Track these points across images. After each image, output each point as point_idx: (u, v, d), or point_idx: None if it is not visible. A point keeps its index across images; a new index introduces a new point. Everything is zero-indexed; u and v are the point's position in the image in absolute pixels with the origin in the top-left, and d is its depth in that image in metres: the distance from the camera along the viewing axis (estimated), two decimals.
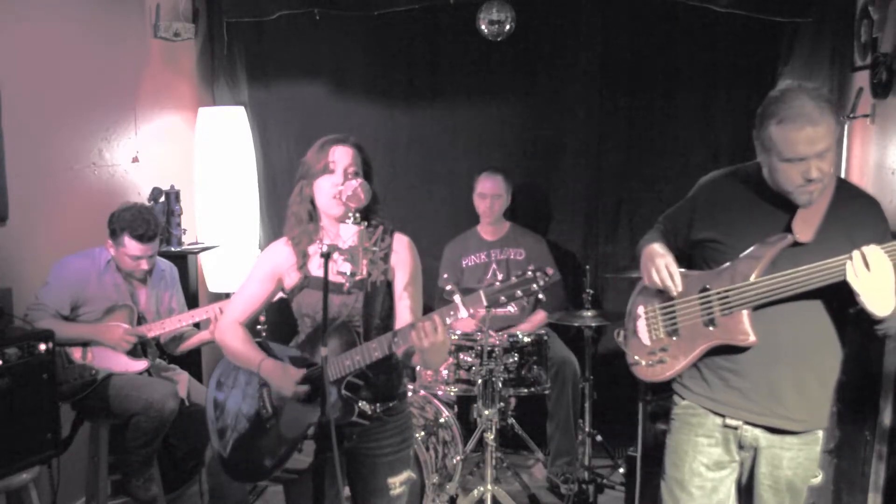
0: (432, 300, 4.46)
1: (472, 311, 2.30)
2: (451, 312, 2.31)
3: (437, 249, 4.82)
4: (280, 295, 2.73)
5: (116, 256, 3.73)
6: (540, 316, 4.55)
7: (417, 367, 4.19)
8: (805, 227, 2.35)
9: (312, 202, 2.60)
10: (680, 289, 2.47)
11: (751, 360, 2.42)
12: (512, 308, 4.56)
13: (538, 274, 2.25)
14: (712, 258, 2.50)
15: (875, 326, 2.30)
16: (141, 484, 3.73)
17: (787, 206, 2.37)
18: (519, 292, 2.25)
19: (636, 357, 2.59)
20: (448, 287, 2.35)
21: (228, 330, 2.66)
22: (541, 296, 2.29)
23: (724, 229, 2.48)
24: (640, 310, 2.61)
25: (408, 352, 2.48)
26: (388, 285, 2.59)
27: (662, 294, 2.55)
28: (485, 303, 2.27)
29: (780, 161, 2.29)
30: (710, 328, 2.45)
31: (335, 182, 2.53)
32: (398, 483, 2.63)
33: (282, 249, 2.64)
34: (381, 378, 2.59)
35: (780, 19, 4.47)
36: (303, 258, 2.60)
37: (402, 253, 2.61)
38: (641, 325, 2.60)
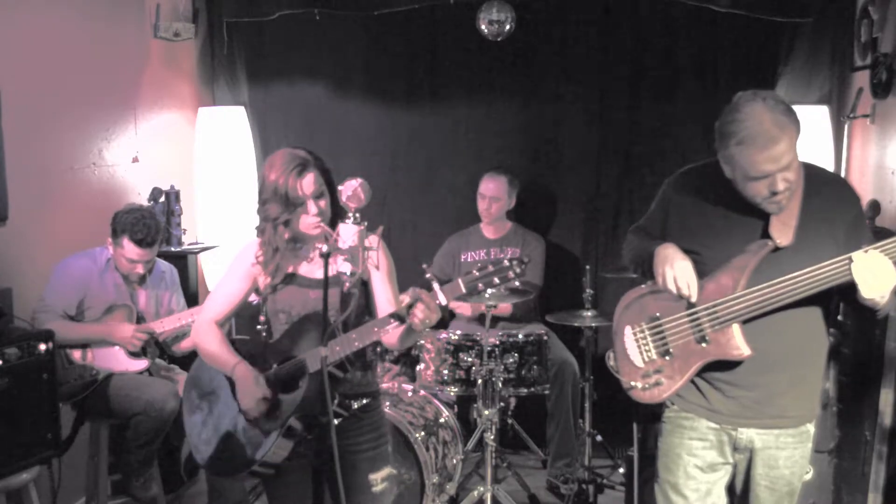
0: None
1: (450, 298, 2.36)
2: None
3: (436, 249, 4.82)
4: (253, 298, 2.72)
5: (114, 256, 3.74)
6: (504, 305, 4.45)
7: (418, 368, 4.20)
8: (783, 231, 2.31)
9: (287, 224, 2.55)
10: (694, 298, 2.38)
11: (746, 369, 2.39)
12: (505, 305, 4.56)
13: (514, 262, 2.32)
14: None
15: (876, 314, 2.31)
16: (141, 484, 3.73)
17: (761, 210, 2.32)
18: (496, 279, 2.33)
19: (632, 382, 2.52)
20: (427, 275, 2.38)
21: (204, 330, 2.66)
22: (517, 283, 2.34)
23: (702, 239, 2.42)
24: (628, 330, 2.54)
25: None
26: (363, 284, 2.59)
27: (648, 312, 2.49)
28: (463, 290, 2.34)
29: (744, 179, 2.25)
30: (703, 345, 2.39)
31: (312, 217, 2.52)
32: (379, 479, 2.62)
33: (258, 251, 2.63)
34: (356, 375, 2.60)
35: (780, 19, 4.47)
36: (271, 290, 2.60)
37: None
38: (631, 346, 2.53)
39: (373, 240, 2.49)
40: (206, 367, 2.72)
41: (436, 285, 2.36)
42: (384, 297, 2.59)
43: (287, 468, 2.59)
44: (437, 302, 2.35)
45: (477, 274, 2.34)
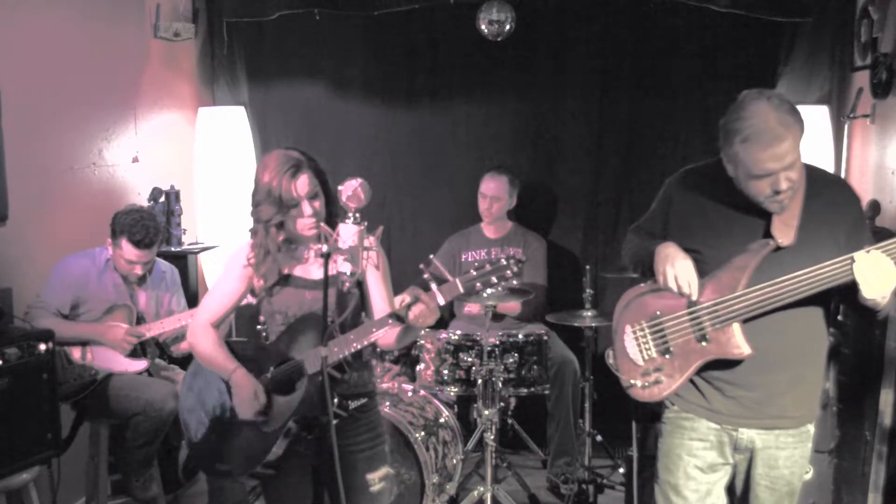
0: None
1: (448, 298, 2.36)
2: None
3: (437, 249, 4.82)
4: (247, 300, 2.72)
5: (113, 257, 3.74)
6: (512, 305, 4.48)
7: (418, 368, 4.20)
8: (785, 231, 2.31)
9: (281, 225, 2.55)
10: (695, 297, 2.39)
11: (746, 369, 2.39)
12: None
13: (511, 261, 2.33)
14: None
15: (876, 315, 2.32)
16: (141, 484, 3.73)
17: (762, 210, 2.33)
18: (493, 279, 2.34)
19: (631, 380, 2.53)
20: (425, 275, 2.38)
21: (200, 332, 2.65)
22: (515, 282, 2.36)
23: (703, 238, 2.43)
24: (628, 328, 2.55)
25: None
26: (358, 284, 2.59)
27: (648, 310, 2.50)
28: (461, 290, 2.35)
29: (747, 177, 2.25)
30: (703, 343, 2.40)
31: (307, 218, 2.51)
32: (377, 479, 2.63)
33: (249, 254, 2.63)
34: (353, 376, 2.60)
35: (780, 19, 4.47)
36: (267, 291, 2.60)
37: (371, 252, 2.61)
38: (631, 344, 2.53)
39: (372, 240, 2.49)
40: (203, 368, 2.72)
41: (434, 285, 2.36)
42: (380, 298, 2.59)
43: (285, 469, 2.59)
44: (436, 302, 2.35)
45: (474, 273, 2.35)
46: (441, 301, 2.36)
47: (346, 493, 2.60)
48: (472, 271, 2.36)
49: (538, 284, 4.55)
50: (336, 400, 2.51)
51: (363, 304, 2.61)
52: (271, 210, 2.51)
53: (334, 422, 2.45)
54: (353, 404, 2.60)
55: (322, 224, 2.48)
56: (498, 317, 4.48)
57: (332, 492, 2.64)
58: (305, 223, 2.51)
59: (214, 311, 2.67)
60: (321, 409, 2.40)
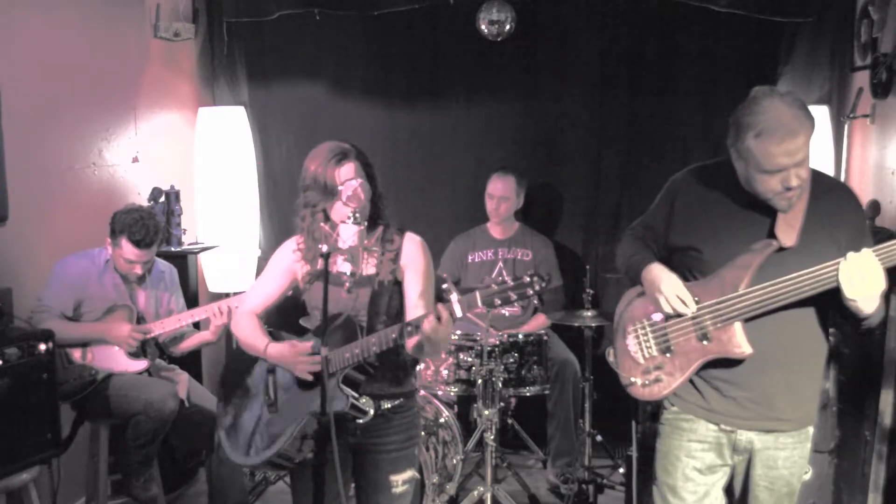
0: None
1: (466, 311, 2.35)
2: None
3: (437, 249, 4.80)
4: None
5: (113, 256, 3.74)
6: (540, 319, 4.54)
7: (418, 368, 4.20)
8: (788, 232, 2.32)
9: (326, 215, 2.60)
10: (694, 309, 2.39)
11: (745, 369, 2.40)
12: (514, 307, 4.57)
13: (535, 279, 2.31)
14: (694, 267, 2.46)
15: (861, 323, 2.31)
16: (141, 484, 3.73)
17: (766, 210, 2.34)
18: (514, 295, 2.32)
19: (632, 378, 2.53)
20: (444, 286, 2.38)
21: (242, 320, 2.73)
22: (535, 302, 2.35)
23: (705, 237, 2.43)
24: (630, 327, 2.56)
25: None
26: (398, 284, 2.61)
27: (650, 309, 2.50)
28: (480, 304, 2.33)
29: (758, 172, 2.26)
30: (704, 342, 2.40)
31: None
32: (401, 481, 2.63)
33: (299, 239, 2.68)
34: (387, 375, 2.61)
35: (780, 19, 4.47)
36: (312, 275, 2.64)
37: (413, 252, 2.64)
38: (632, 342, 2.54)
39: (412, 239, 2.58)
40: (241, 360, 2.77)
41: (454, 297, 2.34)
42: (413, 297, 2.59)
43: (308, 463, 2.58)
44: (454, 315, 2.34)
45: (496, 288, 2.34)
46: (459, 314, 2.34)
47: (367, 490, 2.64)
48: (493, 286, 2.34)
49: (558, 286, 4.59)
50: (364, 400, 2.52)
51: (400, 303, 2.62)
52: (317, 196, 2.56)
53: (362, 420, 2.50)
54: (387, 404, 2.61)
55: (322, 224, 2.49)
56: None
57: (358, 487, 2.68)
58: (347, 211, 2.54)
59: (257, 303, 2.75)
60: (335, 406, 2.43)
